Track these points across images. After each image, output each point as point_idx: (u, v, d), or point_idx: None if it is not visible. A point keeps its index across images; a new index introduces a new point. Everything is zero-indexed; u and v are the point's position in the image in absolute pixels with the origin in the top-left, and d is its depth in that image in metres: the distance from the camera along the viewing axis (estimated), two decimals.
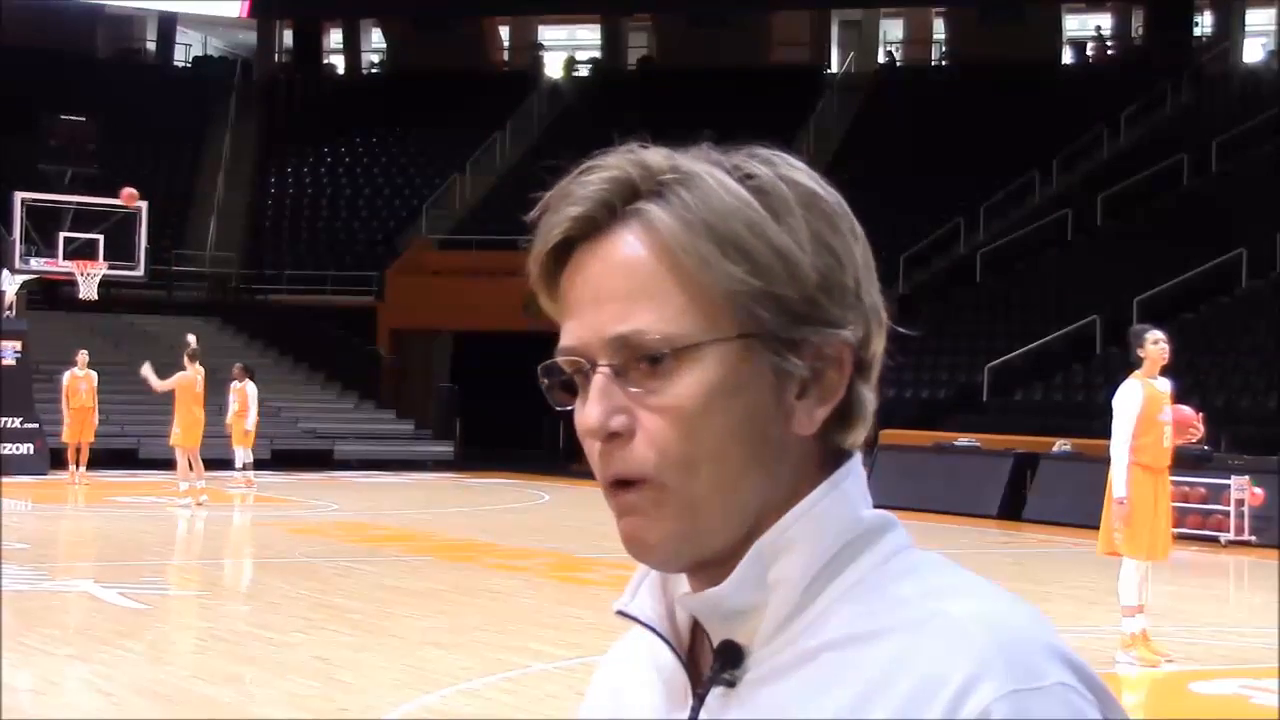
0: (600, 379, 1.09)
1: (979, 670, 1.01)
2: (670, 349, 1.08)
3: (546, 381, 1.14)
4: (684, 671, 1.14)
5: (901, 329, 1.21)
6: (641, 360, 1.08)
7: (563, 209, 1.12)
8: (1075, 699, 1.03)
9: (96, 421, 24.12)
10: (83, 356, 24.01)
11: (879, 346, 1.14)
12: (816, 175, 1.14)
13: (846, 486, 1.12)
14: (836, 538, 1.10)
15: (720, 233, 1.08)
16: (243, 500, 21.80)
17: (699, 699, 1.11)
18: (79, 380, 23.64)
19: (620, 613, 1.17)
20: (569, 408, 1.13)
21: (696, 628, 1.15)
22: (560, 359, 1.12)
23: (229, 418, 22.60)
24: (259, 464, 23.87)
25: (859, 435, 1.15)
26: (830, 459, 1.13)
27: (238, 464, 22.73)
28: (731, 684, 1.10)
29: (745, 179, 1.11)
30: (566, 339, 1.12)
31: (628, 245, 1.10)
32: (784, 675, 1.08)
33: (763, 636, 1.09)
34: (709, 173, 1.11)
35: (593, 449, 1.11)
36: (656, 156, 1.12)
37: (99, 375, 24.03)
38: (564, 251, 1.12)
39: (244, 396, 22.27)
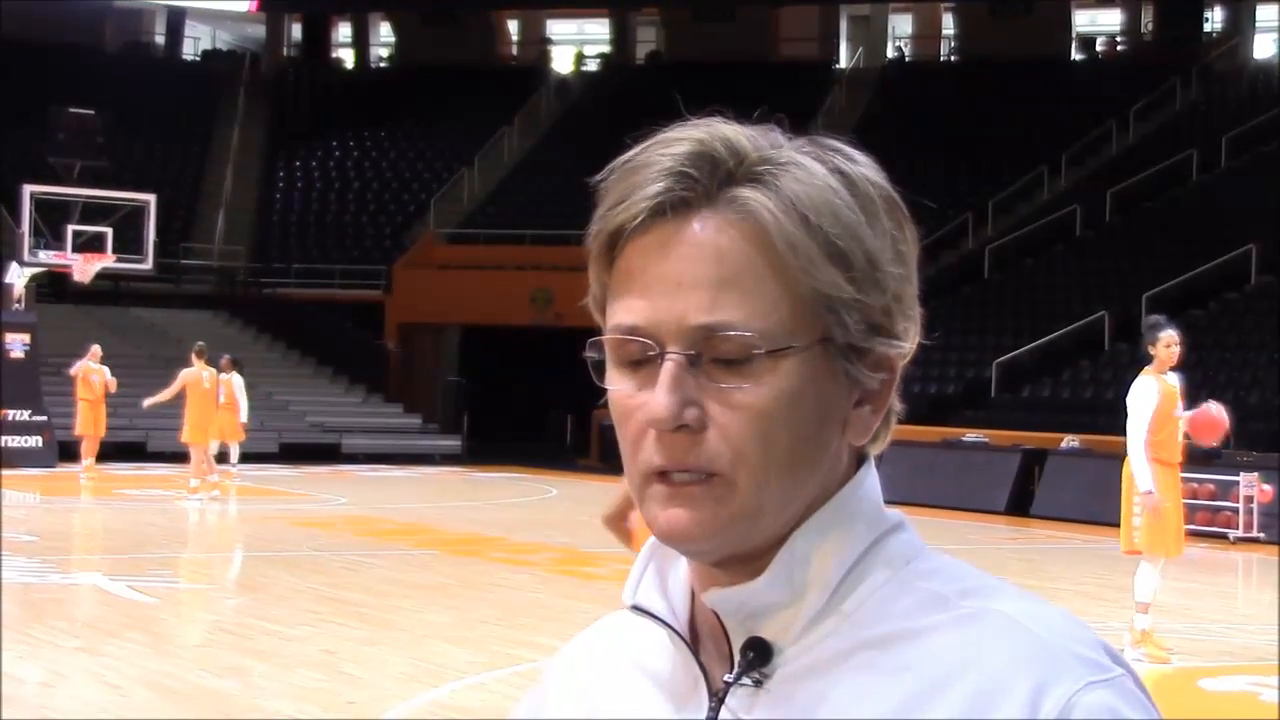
0: (673, 367, 1.03)
1: (1052, 667, 1.01)
2: (765, 349, 1.03)
3: (594, 356, 1.08)
4: (698, 670, 1.10)
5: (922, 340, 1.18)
6: (719, 351, 1.03)
7: (646, 180, 1.05)
8: (1135, 688, 1.03)
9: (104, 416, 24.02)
10: (96, 350, 23.88)
11: (912, 354, 1.12)
12: (884, 174, 1.11)
13: (869, 485, 1.11)
14: (865, 536, 1.09)
15: (824, 233, 1.04)
16: (223, 492, 21.37)
17: (717, 698, 1.08)
18: (92, 373, 23.53)
19: (635, 608, 1.13)
20: (616, 387, 1.07)
21: (695, 625, 1.12)
22: (620, 336, 1.06)
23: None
24: (266, 457, 23.88)
25: (887, 442, 1.13)
26: (856, 461, 1.12)
27: (233, 458, 22.60)
28: (759, 682, 1.07)
29: (836, 173, 1.06)
30: (630, 316, 1.05)
31: (723, 231, 1.04)
32: (820, 673, 1.05)
33: (794, 634, 1.06)
34: (809, 164, 1.06)
35: (643, 433, 1.05)
36: (742, 138, 1.06)
37: (108, 368, 23.97)
38: (640, 225, 1.06)
39: (230, 389, 22.04)
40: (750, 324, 1.03)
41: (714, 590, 1.08)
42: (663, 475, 1.05)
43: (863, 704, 1.03)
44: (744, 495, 1.04)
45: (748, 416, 1.03)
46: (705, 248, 1.04)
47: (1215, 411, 10.03)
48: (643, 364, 1.05)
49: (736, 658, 1.08)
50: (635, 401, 1.05)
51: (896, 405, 1.12)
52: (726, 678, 1.08)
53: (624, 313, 1.06)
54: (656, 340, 1.04)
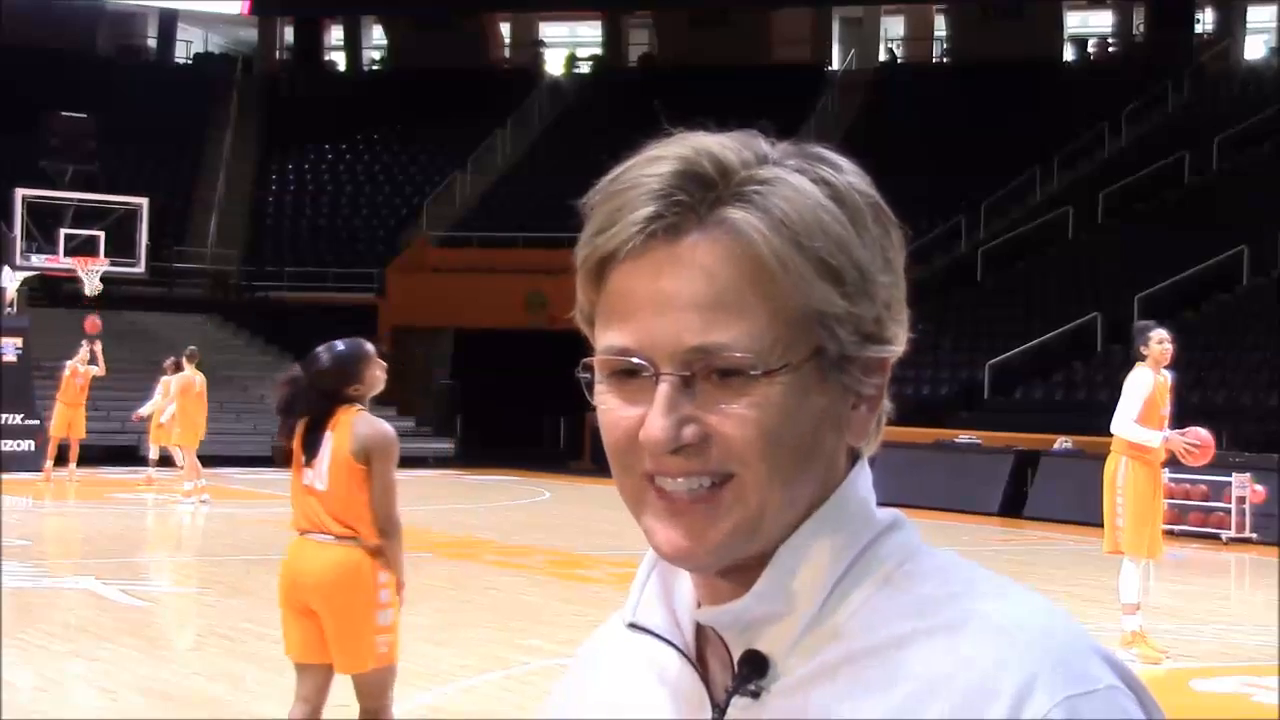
0: (669, 389, 1.04)
1: (1031, 677, 1.00)
2: (760, 370, 1.04)
3: (586, 377, 1.09)
4: (700, 682, 1.11)
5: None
6: (713, 371, 1.04)
7: (634, 203, 1.05)
8: (1125, 701, 1.02)
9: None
10: (85, 352, 23.56)
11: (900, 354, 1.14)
12: (869, 179, 1.11)
13: (859, 487, 1.11)
14: (855, 542, 1.09)
15: (813, 249, 1.04)
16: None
17: (719, 709, 1.09)
18: (78, 375, 23.21)
19: (632, 625, 1.14)
20: (606, 404, 1.07)
21: (701, 632, 1.13)
22: (612, 357, 1.06)
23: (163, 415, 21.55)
24: (259, 461, 23.76)
25: (879, 441, 1.14)
26: (850, 462, 1.13)
27: (179, 461, 22.28)
28: (757, 694, 1.07)
29: (821, 183, 1.07)
30: (623, 339, 1.06)
31: (713, 253, 1.04)
32: (814, 683, 1.06)
33: (787, 645, 1.07)
34: (795, 180, 1.06)
35: (633, 443, 1.06)
36: (729, 153, 1.06)
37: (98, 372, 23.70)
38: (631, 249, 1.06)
39: (167, 389, 21.52)
40: (743, 344, 1.03)
41: (705, 609, 1.10)
42: (660, 491, 1.06)
43: (851, 713, 1.04)
44: (748, 503, 1.05)
45: (748, 433, 1.04)
46: (696, 269, 1.04)
47: (1205, 436, 10.01)
48: (630, 379, 1.06)
49: (736, 670, 1.09)
50: (624, 415, 1.06)
51: (887, 405, 1.13)
52: (729, 688, 1.09)
53: (616, 335, 1.06)
54: (650, 361, 1.05)
